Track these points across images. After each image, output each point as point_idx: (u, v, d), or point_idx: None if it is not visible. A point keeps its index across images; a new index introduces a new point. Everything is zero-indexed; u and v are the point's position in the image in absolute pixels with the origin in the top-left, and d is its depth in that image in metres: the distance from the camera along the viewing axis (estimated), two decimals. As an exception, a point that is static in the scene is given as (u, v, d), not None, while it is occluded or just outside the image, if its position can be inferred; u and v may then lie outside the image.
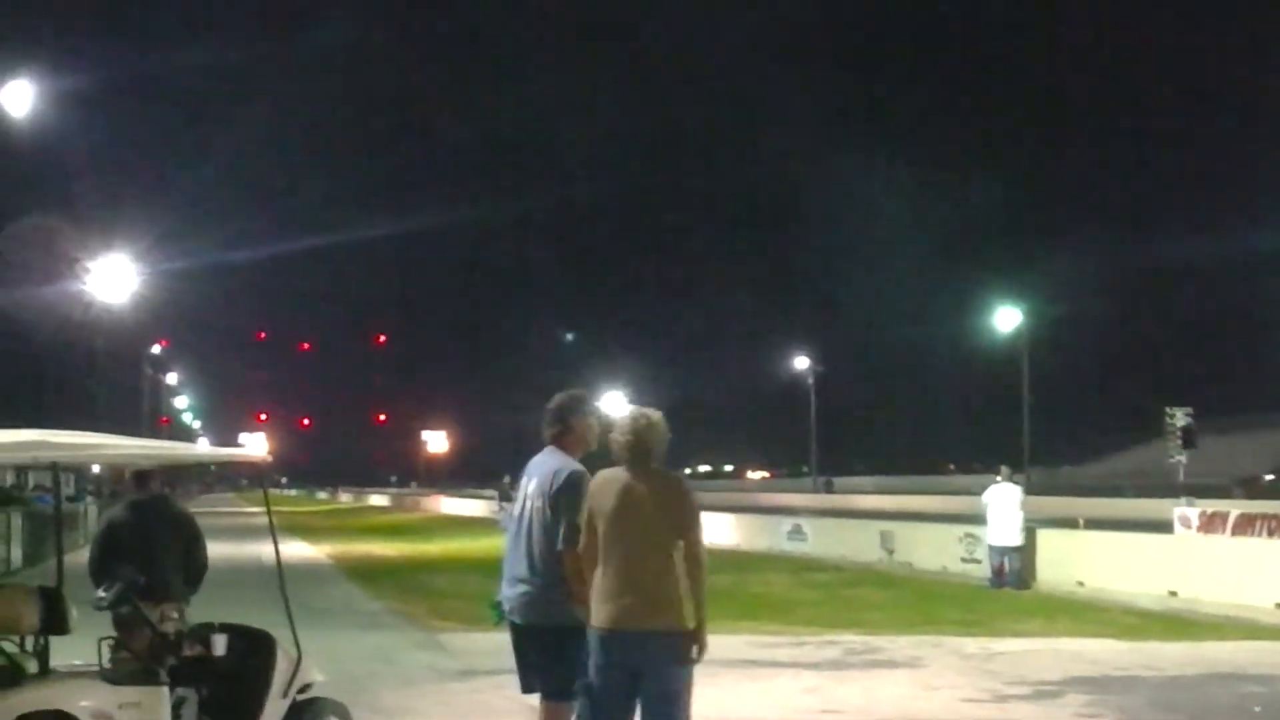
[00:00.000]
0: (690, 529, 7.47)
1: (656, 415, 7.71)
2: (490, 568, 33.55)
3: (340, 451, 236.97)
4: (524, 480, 8.24)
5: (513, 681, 8.30)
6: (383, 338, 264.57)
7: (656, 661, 7.30)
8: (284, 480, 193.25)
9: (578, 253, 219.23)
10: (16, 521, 34.45)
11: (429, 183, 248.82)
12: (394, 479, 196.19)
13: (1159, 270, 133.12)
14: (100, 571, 9.83)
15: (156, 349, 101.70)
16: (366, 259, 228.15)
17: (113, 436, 9.17)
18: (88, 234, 56.08)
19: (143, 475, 10.67)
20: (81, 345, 70.48)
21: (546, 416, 8.26)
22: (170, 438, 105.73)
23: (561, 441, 8.20)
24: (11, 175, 36.98)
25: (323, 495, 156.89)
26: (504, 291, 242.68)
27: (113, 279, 55.63)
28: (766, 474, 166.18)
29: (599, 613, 7.43)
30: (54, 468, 9.54)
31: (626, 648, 7.32)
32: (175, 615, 9.54)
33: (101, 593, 8.96)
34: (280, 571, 9.08)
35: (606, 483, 7.59)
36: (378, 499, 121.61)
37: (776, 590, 25.40)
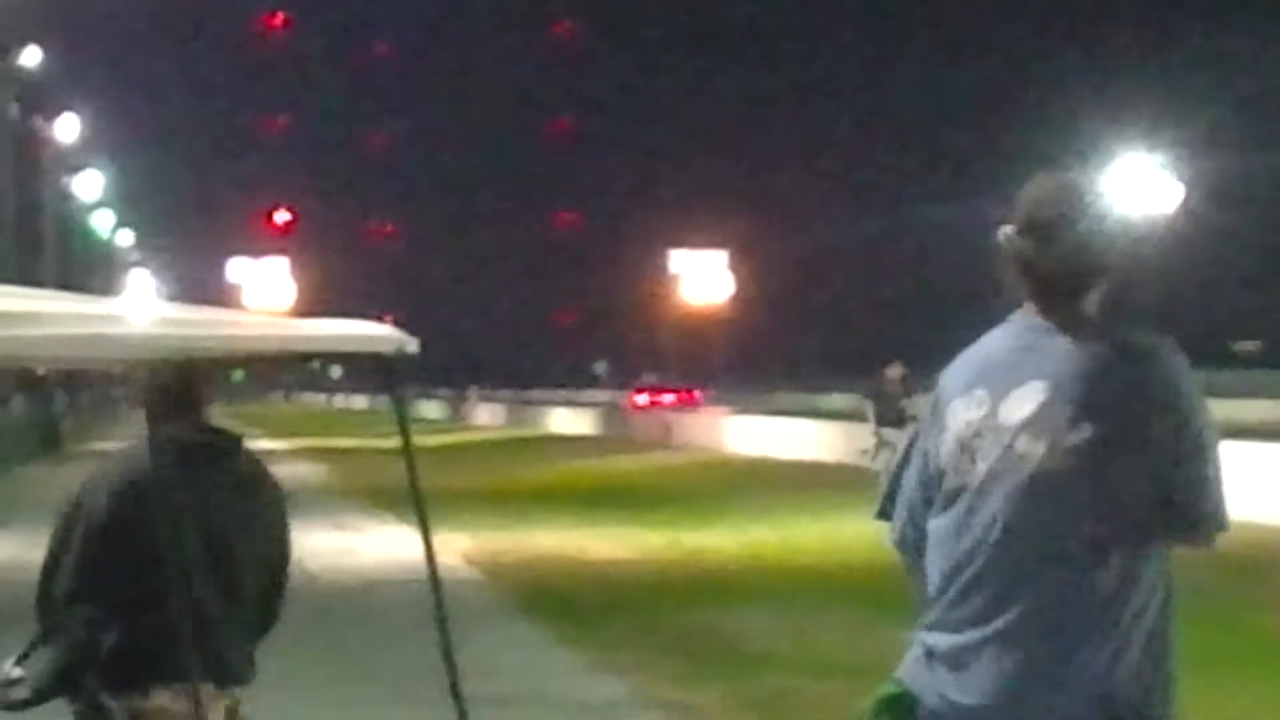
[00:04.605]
0: None
1: None
2: (870, 590, 16.51)
3: (475, 309, 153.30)
4: (967, 400, 4.02)
5: None
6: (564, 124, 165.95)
7: None
8: (336, 376, 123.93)
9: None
10: None
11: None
12: (599, 371, 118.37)
13: None
14: (80, 596, 5.61)
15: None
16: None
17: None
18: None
19: (178, 386, 5.76)
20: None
21: (1027, 235, 3.98)
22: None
23: (1081, 292, 4.00)
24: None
25: (432, 409, 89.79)
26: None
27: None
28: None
29: None
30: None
31: None
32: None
33: (13, 669, 5.63)
34: (442, 619, 5.16)
35: None
36: (565, 417, 70.56)
37: None
